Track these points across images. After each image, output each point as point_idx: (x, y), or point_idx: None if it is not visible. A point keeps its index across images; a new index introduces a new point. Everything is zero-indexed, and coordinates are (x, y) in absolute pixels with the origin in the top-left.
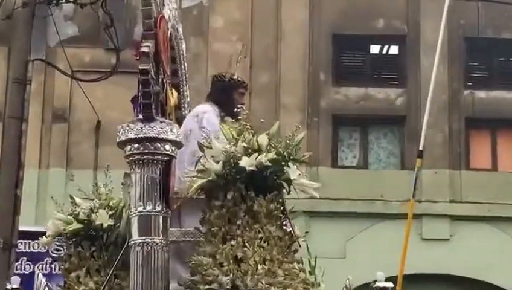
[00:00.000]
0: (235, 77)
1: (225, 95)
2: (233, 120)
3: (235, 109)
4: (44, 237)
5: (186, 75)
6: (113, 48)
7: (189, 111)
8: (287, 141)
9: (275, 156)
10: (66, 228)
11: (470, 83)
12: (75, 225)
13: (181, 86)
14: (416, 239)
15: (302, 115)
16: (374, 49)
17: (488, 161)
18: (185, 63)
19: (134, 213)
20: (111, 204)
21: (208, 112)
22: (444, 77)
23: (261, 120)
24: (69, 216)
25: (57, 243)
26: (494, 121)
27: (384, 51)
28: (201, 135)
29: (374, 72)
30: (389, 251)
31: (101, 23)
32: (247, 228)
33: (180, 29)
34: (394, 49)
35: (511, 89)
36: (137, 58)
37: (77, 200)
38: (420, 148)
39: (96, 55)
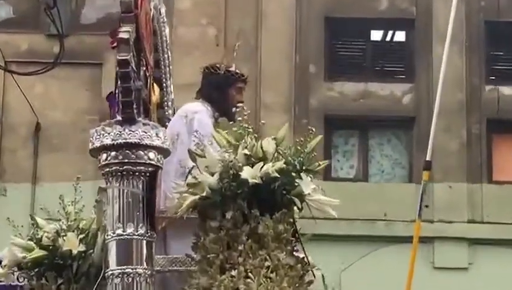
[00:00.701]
0: (232, 68)
1: (220, 91)
2: (230, 122)
3: (232, 109)
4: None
5: (170, 67)
6: (55, 34)
7: (174, 110)
8: (298, 147)
9: (285, 166)
10: (26, 256)
11: (493, 77)
12: (38, 252)
13: (164, 80)
14: (428, 268)
15: (287, 116)
16: (376, 35)
17: None
18: (169, 52)
19: (112, 237)
20: (81, 226)
21: (199, 111)
22: (460, 70)
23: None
24: (29, 241)
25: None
26: None
27: (388, 38)
28: (192, 140)
29: (375, 64)
30: (393, 282)
31: (41, 3)
32: (250, 255)
33: (164, 10)
34: (400, 36)
35: None
36: (114, 46)
37: (39, 221)
38: (427, 158)
39: (35, 42)
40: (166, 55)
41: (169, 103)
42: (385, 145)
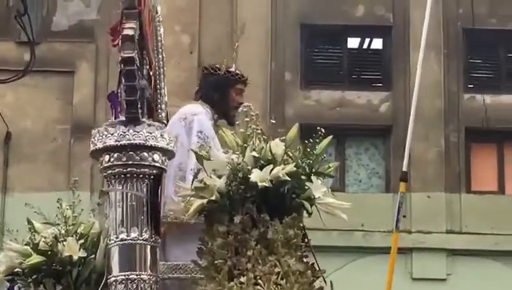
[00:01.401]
0: (232, 69)
1: (219, 92)
2: (230, 124)
3: (232, 110)
4: None
5: (164, 68)
6: (26, 41)
7: (167, 113)
8: (308, 150)
9: (295, 169)
10: (22, 262)
11: (471, 85)
12: (35, 258)
13: (158, 81)
14: (406, 279)
15: (262, 124)
16: (352, 42)
17: (493, 182)
18: (164, 53)
19: (115, 242)
20: (80, 231)
21: (198, 113)
22: (438, 78)
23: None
24: (26, 247)
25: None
26: (501, 133)
27: (365, 46)
28: (196, 142)
29: (352, 72)
30: None
31: (11, 10)
32: (260, 261)
33: (159, 9)
34: (377, 43)
35: None
36: (115, 43)
37: (37, 225)
38: (404, 169)
39: (5, 50)
40: (160, 56)
41: (163, 106)
42: (362, 154)
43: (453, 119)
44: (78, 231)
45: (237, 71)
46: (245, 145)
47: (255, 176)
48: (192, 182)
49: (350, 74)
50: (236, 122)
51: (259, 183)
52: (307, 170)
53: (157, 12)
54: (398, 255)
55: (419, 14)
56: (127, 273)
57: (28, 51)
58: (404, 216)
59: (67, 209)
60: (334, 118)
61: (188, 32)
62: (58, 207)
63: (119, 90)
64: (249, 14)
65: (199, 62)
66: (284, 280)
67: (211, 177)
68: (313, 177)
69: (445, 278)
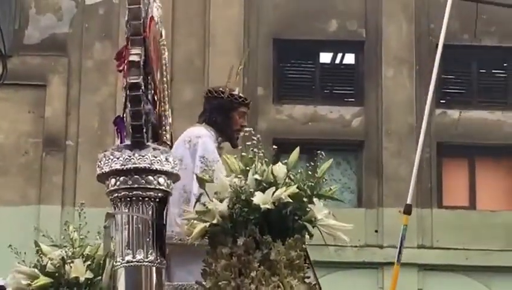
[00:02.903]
0: (236, 92)
1: (223, 115)
2: (233, 146)
3: (235, 133)
4: None
5: (169, 91)
6: None
7: (171, 134)
8: (309, 172)
9: (297, 191)
10: (30, 284)
11: (443, 101)
12: (43, 280)
13: (162, 104)
14: None
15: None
16: (325, 57)
17: (464, 198)
18: (168, 76)
19: (121, 264)
20: (87, 252)
21: (202, 136)
22: (411, 94)
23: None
24: (33, 268)
25: None
26: (472, 148)
27: (338, 60)
28: (199, 166)
29: (324, 87)
30: None
31: None
32: (263, 282)
33: (164, 33)
34: (350, 58)
35: (494, 108)
36: (120, 68)
37: (44, 247)
38: (408, 202)
39: None
40: (165, 79)
41: (167, 127)
42: (334, 169)
43: (424, 135)
44: (84, 253)
45: (240, 94)
46: (247, 168)
47: (258, 198)
48: (195, 205)
49: (322, 89)
50: (239, 147)
51: (262, 206)
52: (309, 192)
53: (161, 36)
54: (369, 270)
55: (392, 29)
56: None
57: None
58: (376, 231)
59: (74, 231)
60: (306, 132)
61: None
62: (65, 229)
63: (124, 115)
64: (222, 29)
65: (172, 76)
66: None
67: (212, 200)
68: (315, 200)
69: None
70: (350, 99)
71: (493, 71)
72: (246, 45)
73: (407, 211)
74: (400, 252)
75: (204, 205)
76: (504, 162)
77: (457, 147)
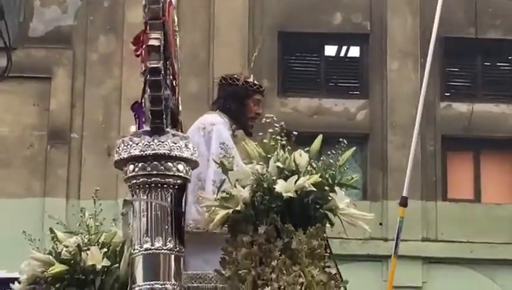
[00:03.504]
0: (251, 80)
1: (238, 102)
2: (247, 134)
3: (250, 121)
4: (16, 282)
5: (180, 78)
6: (3, 47)
7: (181, 122)
8: (330, 160)
9: (320, 179)
10: (45, 271)
11: (448, 94)
12: (58, 267)
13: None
14: (381, 287)
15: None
16: (330, 50)
17: (469, 191)
18: (179, 63)
19: (139, 251)
20: (102, 240)
21: (217, 123)
22: (415, 86)
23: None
24: (48, 255)
25: None
26: (477, 141)
27: (342, 53)
28: (219, 153)
29: (329, 80)
30: None
31: None
32: (284, 271)
33: (176, 19)
34: (354, 51)
35: (499, 101)
36: (138, 53)
37: (59, 235)
38: (404, 194)
39: None
40: (176, 66)
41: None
42: None
43: (429, 128)
44: (100, 240)
45: (255, 82)
46: (268, 155)
47: (280, 186)
48: (218, 192)
49: (327, 82)
50: (260, 133)
51: (284, 194)
52: (330, 181)
53: (174, 22)
54: (374, 263)
55: (397, 22)
56: (151, 282)
57: (4, 57)
58: (380, 224)
59: (90, 218)
60: (311, 125)
61: None
62: (81, 216)
63: (143, 100)
64: (226, 21)
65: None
66: None
67: (235, 187)
68: (337, 188)
69: (420, 286)
70: (355, 92)
71: (498, 64)
72: (250, 38)
73: (403, 203)
74: (396, 245)
75: (228, 191)
76: (509, 155)
77: (462, 140)
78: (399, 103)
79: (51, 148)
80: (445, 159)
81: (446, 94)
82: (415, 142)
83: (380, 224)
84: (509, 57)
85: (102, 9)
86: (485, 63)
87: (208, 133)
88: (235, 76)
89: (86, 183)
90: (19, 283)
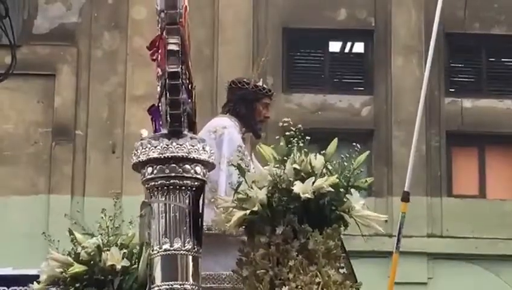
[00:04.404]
0: (260, 84)
1: (248, 106)
2: (256, 137)
3: (259, 124)
4: (35, 282)
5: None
6: (7, 44)
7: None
8: (345, 163)
9: (337, 181)
10: (63, 271)
11: (453, 90)
12: (77, 268)
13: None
14: (386, 283)
15: None
16: (334, 46)
17: (474, 186)
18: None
19: (158, 252)
20: (120, 241)
21: (228, 126)
22: (420, 82)
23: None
24: (67, 256)
25: None
26: (482, 137)
27: (347, 49)
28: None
29: (334, 76)
30: None
31: None
32: (301, 271)
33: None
34: (359, 47)
35: (503, 96)
36: (154, 58)
37: (78, 236)
38: (406, 189)
39: None
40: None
41: None
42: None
43: (434, 124)
44: (118, 242)
45: (264, 86)
46: (284, 158)
47: (298, 187)
48: (234, 194)
49: (332, 78)
50: (276, 137)
51: (302, 195)
52: (344, 183)
53: (188, 25)
54: (379, 259)
55: (401, 18)
56: (170, 283)
57: (9, 54)
58: (385, 221)
59: (110, 219)
60: (315, 121)
61: None
62: (102, 217)
63: (159, 104)
64: (231, 17)
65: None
66: None
67: (252, 188)
68: (353, 190)
69: (426, 282)
70: (359, 88)
71: (503, 60)
72: (255, 35)
73: (405, 198)
74: (398, 240)
75: (244, 192)
76: None
77: (467, 136)
78: (404, 98)
79: (55, 145)
80: (450, 155)
81: (451, 90)
82: (416, 137)
83: (386, 221)
84: None
85: (106, 6)
86: (490, 59)
87: (219, 136)
88: (245, 80)
89: (90, 180)
90: (38, 282)
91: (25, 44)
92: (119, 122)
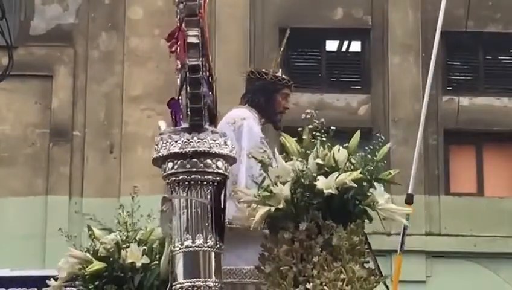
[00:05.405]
0: (279, 74)
1: (267, 96)
2: (276, 128)
3: (278, 115)
4: (52, 279)
5: None
6: (4, 45)
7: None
8: (368, 156)
9: (361, 176)
10: (82, 268)
11: (450, 88)
12: (97, 265)
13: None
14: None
15: None
16: (331, 45)
17: (472, 184)
18: None
19: (180, 249)
20: (139, 237)
21: (247, 118)
22: (417, 81)
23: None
24: (86, 253)
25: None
26: (479, 135)
27: (344, 48)
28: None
29: (331, 75)
30: None
31: None
32: (325, 267)
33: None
34: (356, 46)
35: (501, 94)
36: (173, 50)
37: (96, 232)
38: (409, 192)
39: None
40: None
41: None
42: None
43: (431, 122)
44: (136, 238)
45: (283, 76)
46: (307, 152)
47: (321, 183)
48: (259, 188)
49: (329, 77)
50: (299, 129)
51: (325, 191)
52: (368, 176)
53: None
54: (377, 258)
55: (398, 16)
56: (193, 280)
57: (5, 55)
58: (383, 218)
59: (128, 215)
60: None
61: (165, 35)
62: (120, 213)
63: (179, 97)
64: (227, 16)
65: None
66: (349, 286)
67: (276, 184)
68: (376, 184)
69: (424, 280)
70: (356, 87)
71: (499, 57)
72: (252, 34)
73: (409, 200)
74: (402, 243)
75: (268, 189)
76: (511, 149)
77: (465, 134)
78: (401, 97)
79: (53, 146)
80: (448, 153)
81: (448, 88)
82: (420, 140)
83: (384, 219)
84: (511, 50)
85: (103, 6)
86: (487, 57)
87: (238, 127)
88: (264, 70)
89: (88, 181)
90: (55, 280)
91: (21, 45)
92: (116, 123)
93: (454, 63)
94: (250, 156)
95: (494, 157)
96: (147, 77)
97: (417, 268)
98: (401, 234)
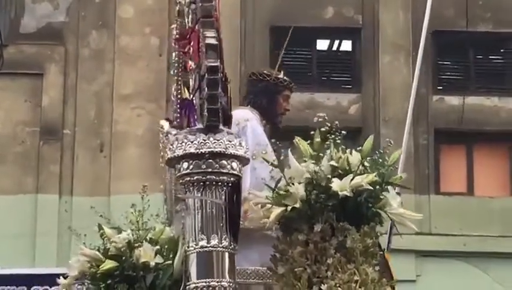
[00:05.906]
0: (281, 76)
1: (269, 98)
2: (276, 129)
3: (279, 116)
4: (62, 277)
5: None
6: None
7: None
8: (380, 160)
9: (376, 179)
10: (92, 267)
11: (440, 87)
12: (109, 263)
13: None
14: None
15: None
16: (322, 45)
17: (462, 184)
18: None
19: (194, 249)
20: (150, 236)
21: (250, 119)
22: (407, 80)
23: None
24: (96, 252)
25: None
26: (470, 135)
27: (334, 48)
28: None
29: (321, 74)
30: None
31: None
32: (339, 269)
33: None
34: (347, 45)
35: (491, 94)
36: (184, 51)
37: (107, 231)
38: (396, 191)
39: None
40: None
41: None
42: None
43: (422, 121)
44: (147, 237)
45: (285, 78)
46: (320, 154)
47: (336, 185)
48: (274, 189)
49: (319, 76)
50: (311, 132)
51: (340, 193)
52: (380, 179)
53: None
54: None
55: (388, 16)
56: (207, 280)
57: None
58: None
59: (140, 214)
60: (302, 120)
61: (157, 34)
62: (132, 212)
63: (193, 98)
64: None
65: (168, 64)
66: (363, 288)
67: (292, 184)
68: (390, 187)
69: (414, 280)
70: (347, 86)
71: (490, 57)
72: (242, 33)
73: None
74: (389, 241)
75: (284, 189)
76: (502, 148)
77: (455, 134)
78: (391, 96)
79: (43, 145)
80: (438, 153)
81: (438, 87)
82: (406, 138)
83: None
84: (501, 50)
85: (93, 5)
86: (477, 56)
87: (242, 128)
88: (265, 72)
89: (78, 180)
90: (65, 278)
91: (12, 43)
92: (107, 121)
93: (445, 63)
94: (254, 157)
95: (484, 157)
96: (137, 76)
97: (407, 267)
98: (388, 233)
